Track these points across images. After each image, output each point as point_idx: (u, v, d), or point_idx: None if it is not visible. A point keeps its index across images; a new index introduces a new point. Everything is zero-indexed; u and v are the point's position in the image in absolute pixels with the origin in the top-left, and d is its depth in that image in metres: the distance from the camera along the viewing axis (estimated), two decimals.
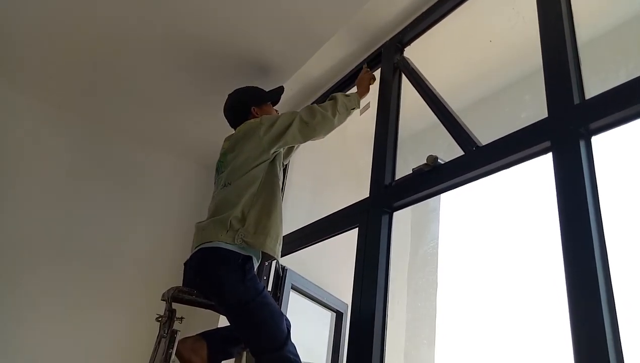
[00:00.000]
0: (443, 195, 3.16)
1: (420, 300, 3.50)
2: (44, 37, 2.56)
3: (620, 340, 1.11)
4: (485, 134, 1.74)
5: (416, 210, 3.67)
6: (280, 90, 2.38)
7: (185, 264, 1.82)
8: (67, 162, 3.16)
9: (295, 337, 3.05)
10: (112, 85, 2.91)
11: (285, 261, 2.77)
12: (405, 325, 3.39)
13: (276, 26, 2.35)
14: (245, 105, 2.19)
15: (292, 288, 2.74)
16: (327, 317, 3.16)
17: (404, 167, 2.13)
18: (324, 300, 2.98)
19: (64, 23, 2.45)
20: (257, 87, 2.34)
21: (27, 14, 2.41)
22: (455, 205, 3.57)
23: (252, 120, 2.04)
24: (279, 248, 1.87)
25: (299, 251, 2.61)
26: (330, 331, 3.10)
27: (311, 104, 2.19)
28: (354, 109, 2.12)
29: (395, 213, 2.05)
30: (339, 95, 2.10)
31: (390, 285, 3.37)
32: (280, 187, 1.99)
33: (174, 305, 1.79)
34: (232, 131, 2.16)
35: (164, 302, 1.81)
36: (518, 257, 2.76)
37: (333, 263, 3.08)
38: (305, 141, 2.04)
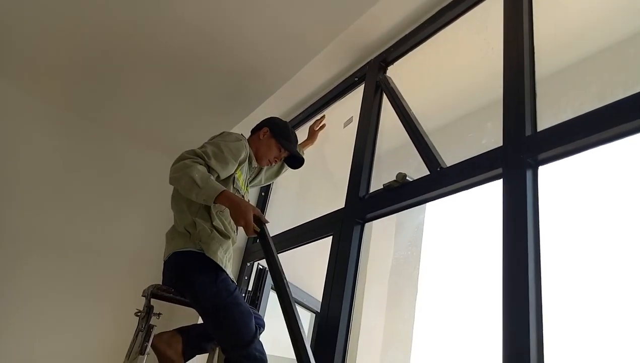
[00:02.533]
0: (428, 204, 3.28)
1: (399, 305, 3.61)
2: (42, 36, 2.68)
3: (542, 337, 1.26)
4: (453, 156, 1.85)
5: (401, 216, 3.77)
6: (301, 159, 2.39)
7: (164, 263, 1.94)
8: (57, 157, 3.30)
9: (275, 335, 3.18)
10: (107, 86, 3.04)
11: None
12: (383, 330, 3.50)
13: (268, 40, 2.47)
14: (265, 123, 2.32)
15: (272, 288, 2.86)
16: (307, 317, 3.28)
17: (386, 179, 2.23)
18: (303, 301, 3.09)
19: (63, 25, 2.57)
20: (291, 130, 2.36)
21: (26, 12, 2.52)
22: (441, 213, 3.68)
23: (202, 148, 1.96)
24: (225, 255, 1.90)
25: (282, 254, 2.73)
26: (309, 330, 3.22)
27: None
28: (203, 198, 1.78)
29: (381, 219, 2.14)
30: (210, 183, 1.78)
31: (370, 288, 3.49)
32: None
33: (154, 302, 1.92)
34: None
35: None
36: (492, 268, 2.87)
37: (315, 266, 3.19)
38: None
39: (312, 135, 2.73)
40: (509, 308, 1.32)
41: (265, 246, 1.80)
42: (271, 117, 2.40)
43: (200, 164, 1.81)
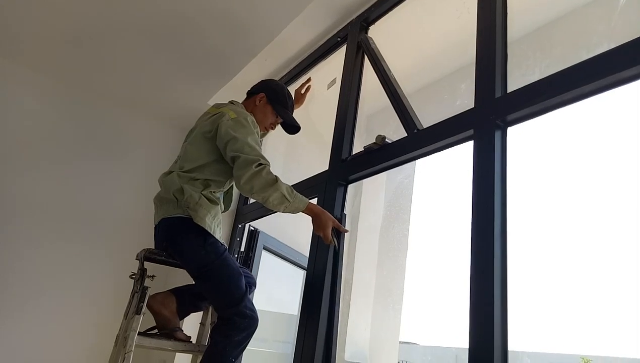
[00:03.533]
0: (418, 162, 3.33)
1: (390, 261, 3.71)
2: (28, 6, 2.67)
3: (506, 287, 1.36)
4: (431, 117, 1.90)
5: (391, 175, 3.84)
6: (297, 126, 2.33)
7: (155, 228, 2.02)
8: (47, 125, 3.34)
9: (268, 293, 3.29)
10: (94, 53, 3.05)
11: (261, 225, 2.98)
12: (375, 285, 3.62)
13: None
14: (261, 88, 2.28)
15: (264, 248, 2.97)
16: (301, 274, 3.41)
17: (370, 141, 2.26)
18: (296, 260, 3.21)
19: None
20: (288, 95, 2.32)
21: None
22: (430, 170, 3.75)
23: (226, 125, 1.97)
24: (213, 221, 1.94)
25: (281, 216, 2.79)
26: (302, 287, 3.36)
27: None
28: (284, 210, 1.89)
29: (371, 178, 2.18)
30: (297, 196, 1.87)
31: (361, 245, 3.59)
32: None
33: (147, 264, 2.02)
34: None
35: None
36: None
37: (305, 225, 3.30)
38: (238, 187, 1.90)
39: (300, 98, 2.74)
40: (477, 260, 1.41)
41: (335, 258, 2.02)
42: (268, 81, 2.34)
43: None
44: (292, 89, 2.96)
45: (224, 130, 1.95)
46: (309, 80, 2.77)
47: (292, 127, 2.35)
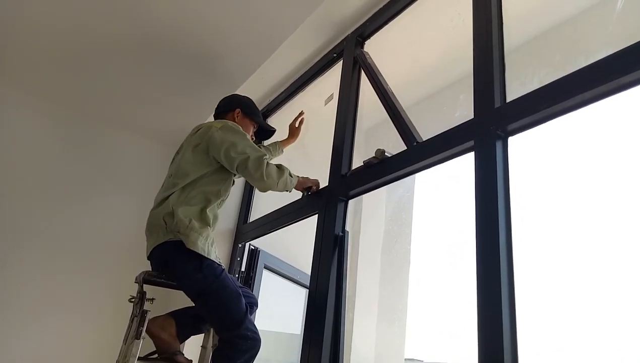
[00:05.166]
0: (418, 176, 3.30)
1: (392, 277, 3.66)
2: (30, 34, 2.67)
3: (514, 300, 1.32)
4: (431, 130, 1.87)
5: (391, 190, 3.81)
6: (272, 129, 2.54)
7: (150, 252, 1.97)
8: (42, 150, 3.31)
9: (271, 312, 3.24)
10: (92, 78, 3.04)
11: (262, 244, 2.94)
12: (378, 303, 3.56)
13: (240, 24, 2.46)
14: (235, 104, 2.34)
15: (265, 267, 2.93)
16: (303, 293, 3.36)
17: (369, 155, 2.24)
18: (298, 279, 3.16)
19: (47, 21, 2.56)
20: (255, 105, 2.44)
21: (11, 12, 2.52)
22: (430, 184, 3.71)
23: (219, 133, 2.03)
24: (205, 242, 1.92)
25: (282, 234, 2.77)
26: (304, 306, 3.30)
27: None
28: (288, 190, 2.13)
29: (371, 193, 2.19)
30: (287, 174, 2.07)
31: (363, 262, 3.54)
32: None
33: (146, 287, 1.97)
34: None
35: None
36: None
37: (308, 241, 3.25)
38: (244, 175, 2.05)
39: (295, 131, 2.75)
40: (482, 274, 1.38)
41: (339, 276, 2.06)
42: (234, 96, 2.42)
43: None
44: (289, 107, 2.96)
45: (220, 138, 2.00)
46: (301, 113, 2.77)
47: (266, 132, 2.52)
